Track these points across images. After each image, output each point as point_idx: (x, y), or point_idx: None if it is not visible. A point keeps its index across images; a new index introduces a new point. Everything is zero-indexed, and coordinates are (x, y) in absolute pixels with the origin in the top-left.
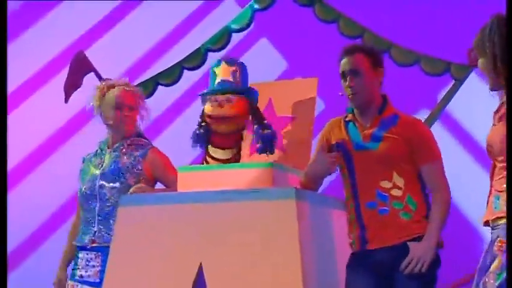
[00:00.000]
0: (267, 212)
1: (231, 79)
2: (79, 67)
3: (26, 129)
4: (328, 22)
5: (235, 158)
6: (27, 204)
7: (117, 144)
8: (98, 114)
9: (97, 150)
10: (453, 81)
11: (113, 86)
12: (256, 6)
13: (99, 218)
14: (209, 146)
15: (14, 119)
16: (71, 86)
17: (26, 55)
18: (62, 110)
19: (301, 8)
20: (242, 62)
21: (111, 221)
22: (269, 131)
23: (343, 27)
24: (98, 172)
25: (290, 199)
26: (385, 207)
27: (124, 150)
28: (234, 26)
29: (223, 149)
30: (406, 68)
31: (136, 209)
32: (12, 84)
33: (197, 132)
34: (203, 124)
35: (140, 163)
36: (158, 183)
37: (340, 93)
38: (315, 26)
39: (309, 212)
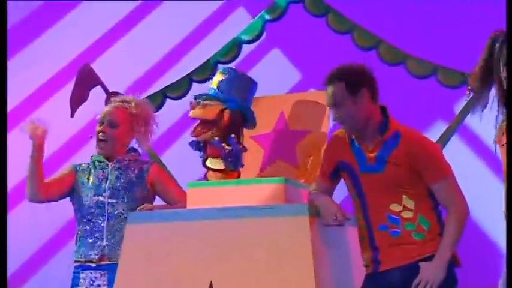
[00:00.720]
0: (280, 229)
1: (215, 87)
2: (85, 80)
3: (27, 146)
4: (341, 33)
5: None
6: (27, 227)
7: (117, 159)
8: None
9: (94, 163)
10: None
11: (110, 102)
12: (267, 16)
13: (108, 232)
14: (208, 159)
15: (15, 136)
16: (77, 99)
17: (26, 69)
18: (68, 125)
19: (314, 18)
20: (237, 72)
21: (121, 236)
22: (229, 148)
23: (357, 38)
24: (104, 186)
25: (303, 215)
26: (396, 229)
27: (126, 165)
28: (244, 37)
29: (213, 157)
30: (422, 79)
31: (144, 227)
32: (14, 99)
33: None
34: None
35: (144, 177)
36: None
37: (333, 123)
38: (328, 35)
39: (322, 229)
